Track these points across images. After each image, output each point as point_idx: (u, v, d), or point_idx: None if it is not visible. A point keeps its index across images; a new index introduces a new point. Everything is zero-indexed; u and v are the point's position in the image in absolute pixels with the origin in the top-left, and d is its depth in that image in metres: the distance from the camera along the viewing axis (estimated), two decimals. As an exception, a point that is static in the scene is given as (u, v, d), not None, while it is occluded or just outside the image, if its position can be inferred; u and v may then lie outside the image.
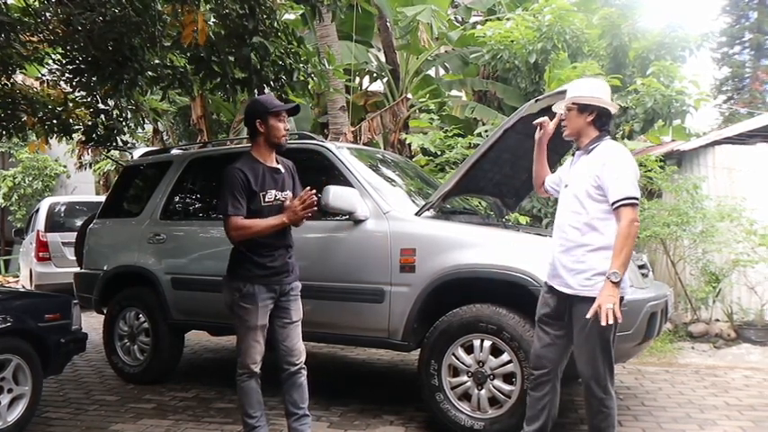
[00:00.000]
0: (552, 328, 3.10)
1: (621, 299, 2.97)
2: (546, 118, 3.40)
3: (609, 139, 3.10)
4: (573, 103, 3.10)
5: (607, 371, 2.98)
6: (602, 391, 2.98)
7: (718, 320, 6.79)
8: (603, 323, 2.77)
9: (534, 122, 3.43)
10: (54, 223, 9.63)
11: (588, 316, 2.85)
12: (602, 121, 3.07)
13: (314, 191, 3.21)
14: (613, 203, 2.88)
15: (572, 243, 3.00)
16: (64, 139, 6.36)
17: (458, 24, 11.04)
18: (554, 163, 4.81)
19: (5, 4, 5.17)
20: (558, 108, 3.28)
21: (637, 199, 2.88)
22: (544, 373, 3.13)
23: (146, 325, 5.10)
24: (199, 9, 4.49)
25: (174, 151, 5.80)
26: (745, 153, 7.22)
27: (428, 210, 4.04)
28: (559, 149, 4.76)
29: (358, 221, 4.02)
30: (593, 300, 2.86)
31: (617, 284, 2.80)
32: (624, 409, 4.38)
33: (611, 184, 2.89)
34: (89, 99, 5.99)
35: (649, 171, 7.42)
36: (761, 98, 20.91)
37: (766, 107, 18.57)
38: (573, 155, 3.25)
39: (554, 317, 3.08)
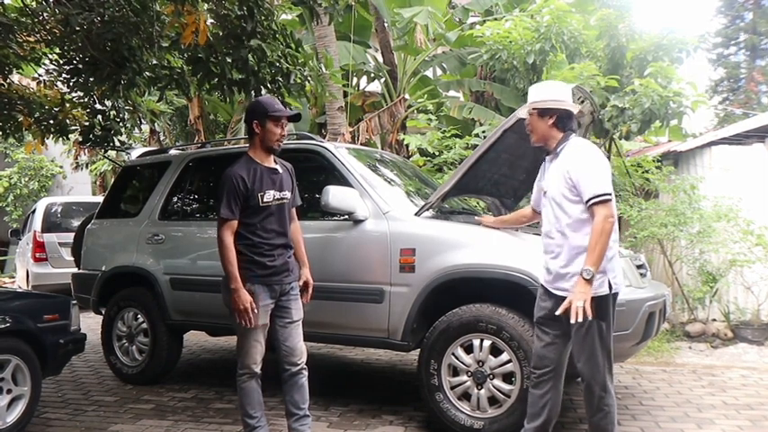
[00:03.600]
0: (551, 328, 3.11)
1: (615, 295, 3.01)
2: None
3: (574, 138, 3.11)
4: (533, 109, 3.14)
5: (607, 369, 2.99)
6: (601, 390, 2.99)
7: (714, 320, 6.82)
8: (572, 320, 2.81)
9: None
10: (51, 224, 9.62)
11: (558, 313, 2.89)
12: (563, 122, 3.08)
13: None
14: (587, 202, 2.90)
15: (560, 248, 3.02)
16: (60, 139, 6.35)
17: (456, 24, 11.05)
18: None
19: (2, 4, 5.16)
20: (521, 114, 3.34)
21: (609, 194, 2.88)
22: (546, 372, 3.14)
23: (144, 325, 5.10)
24: (198, 9, 4.49)
25: (173, 152, 5.80)
26: (742, 153, 7.25)
27: (427, 210, 4.05)
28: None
29: (357, 221, 4.03)
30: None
31: (589, 281, 2.82)
32: (622, 408, 4.40)
33: (583, 184, 2.91)
34: (86, 99, 5.98)
35: (646, 172, 7.46)
36: (756, 99, 20.99)
37: (761, 108, 18.64)
38: (544, 159, 3.25)
39: (552, 318, 3.09)
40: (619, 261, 3.07)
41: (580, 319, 2.79)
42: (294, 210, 3.57)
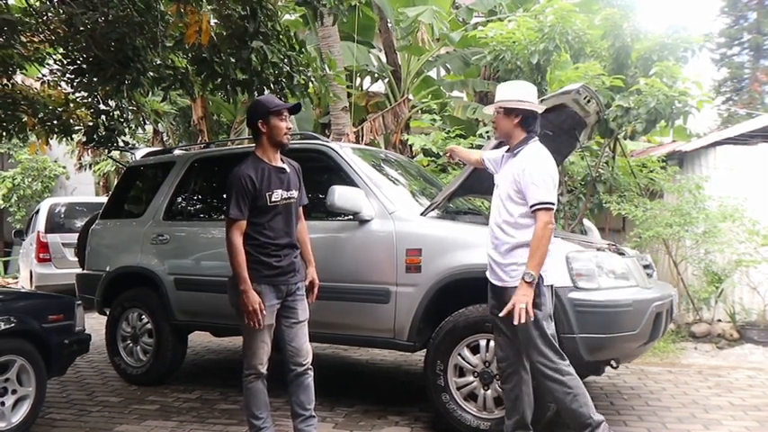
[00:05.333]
0: (500, 321, 3.23)
1: (551, 287, 3.16)
2: (453, 147, 3.86)
3: (535, 142, 3.23)
4: (500, 107, 3.26)
5: (551, 352, 3.09)
6: (558, 374, 3.08)
7: (720, 321, 6.79)
8: (515, 322, 2.96)
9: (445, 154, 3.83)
10: (54, 224, 9.62)
11: (502, 314, 3.04)
12: (527, 122, 3.22)
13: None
14: (531, 207, 3.06)
15: (498, 240, 3.19)
16: (64, 139, 6.35)
17: (460, 23, 11.04)
18: (557, 164, 4.82)
19: (6, 3, 5.15)
20: (488, 111, 3.46)
21: (552, 204, 3.05)
22: (508, 364, 3.28)
23: (149, 326, 5.09)
24: (201, 9, 4.48)
25: (177, 152, 5.79)
26: (747, 153, 7.23)
27: (433, 210, 4.03)
28: (563, 150, 4.77)
29: (363, 222, 4.02)
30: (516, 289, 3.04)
31: (530, 284, 2.98)
32: (629, 409, 4.38)
33: (529, 190, 3.07)
34: (90, 100, 5.97)
35: (651, 172, 7.44)
36: (760, 99, 20.92)
37: (765, 108, 18.60)
38: (506, 152, 3.38)
39: (499, 309, 3.19)
40: (551, 257, 3.18)
41: (523, 320, 2.94)
42: (301, 209, 3.55)
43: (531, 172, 3.08)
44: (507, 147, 3.34)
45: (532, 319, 2.97)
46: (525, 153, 3.18)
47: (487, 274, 3.28)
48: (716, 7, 23.13)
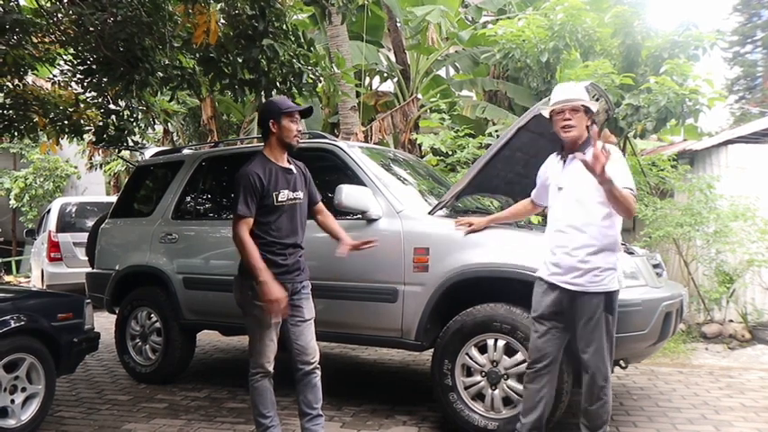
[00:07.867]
0: (552, 322, 3.20)
1: (611, 300, 3.11)
2: (467, 220, 3.80)
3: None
4: (583, 105, 3.17)
5: (610, 361, 3.12)
6: (603, 380, 3.12)
7: (731, 321, 6.73)
8: (597, 170, 2.79)
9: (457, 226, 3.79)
10: (65, 224, 9.68)
11: (587, 158, 2.84)
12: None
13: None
14: None
15: (575, 244, 3.08)
16: (75, 139, 6.38)
17: (469, 23, 11.01)
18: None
19: (18, 4, 5.19)
20: (545, 112, 3.32)
21: (635, 191, 3.08)
22: (544, 365, 3.23)
23: (157, 325, 5.11)
24: (209, 9, 4.49)
25: (186, 151, 5.81)
26: (759, 152, 7.16)
27: (441, 209, 4.02)
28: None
29: (371, 221, 4.01)
30: (598, 294, 3.04)
31: (611, 183, 2.87)
32: (638, 409, 4.35)
33: (617, 179, 2.95)
34: (100, 100, 6.01)
35: (662, 170, 7.38)
36: (773, 97, 20.74)
37: (778, 106, 18.41)
38: (560, 156, 3.30)
39: (554, 312, 3.17)
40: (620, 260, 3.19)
41: (606, 162, 2.77)
42: (321, 204, 3.61)
43: (614, 164, 2.92)
44: (567, 148, 3.21)
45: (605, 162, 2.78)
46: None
47: (554, 279, 3.15)
48: (728, 5, 22.95)
